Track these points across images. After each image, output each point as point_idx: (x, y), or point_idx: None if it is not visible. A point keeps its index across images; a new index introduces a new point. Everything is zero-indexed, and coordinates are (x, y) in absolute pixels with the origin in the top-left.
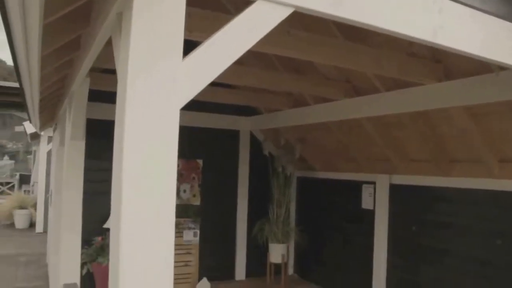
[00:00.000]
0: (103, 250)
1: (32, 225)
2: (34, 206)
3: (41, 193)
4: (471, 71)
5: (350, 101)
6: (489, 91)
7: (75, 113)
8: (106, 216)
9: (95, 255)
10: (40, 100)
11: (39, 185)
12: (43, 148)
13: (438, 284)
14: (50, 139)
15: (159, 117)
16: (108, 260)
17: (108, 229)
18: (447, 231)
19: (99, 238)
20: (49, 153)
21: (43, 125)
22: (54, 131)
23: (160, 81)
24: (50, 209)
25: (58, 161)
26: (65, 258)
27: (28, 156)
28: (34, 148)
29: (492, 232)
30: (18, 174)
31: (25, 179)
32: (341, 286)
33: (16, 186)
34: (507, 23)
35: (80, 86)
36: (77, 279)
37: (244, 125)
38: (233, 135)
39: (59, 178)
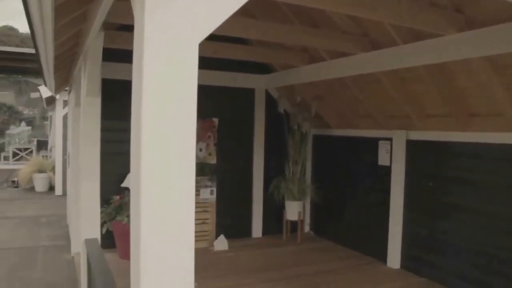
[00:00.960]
0: (122, 208)
1: (51, 188)
2: (53, 170)
3: (59, 157)
4: (493, 20)
5: (367, 55)
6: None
7: (90, 69)
8: (123, 175)
9: (114, 213)
10: (55, 58)
11: (57, 149)
12: (59, 112)
13: (453, 238)
14: (65, 103)
15: (179, 51)
16: (126, 218)
17: (125, 188)
18: (463, 187)
19: (118, 197)
20: (65, 117)
21: (58, 88)
22: (69, 93)
23: (179, 13)
24: (68, 170)
25: (74, 121)
26: (86, 214)
27: (45, 122)
28: (50, 113)
29: (509, 186)
30: (35, 140)
31: (42, 145)
32: (357, 243)
33: (34, 152)
34: None
35: (94, 40)
36: (97, 235)
37: (259, 83)
38: (249, 93)
39: (76, 138)
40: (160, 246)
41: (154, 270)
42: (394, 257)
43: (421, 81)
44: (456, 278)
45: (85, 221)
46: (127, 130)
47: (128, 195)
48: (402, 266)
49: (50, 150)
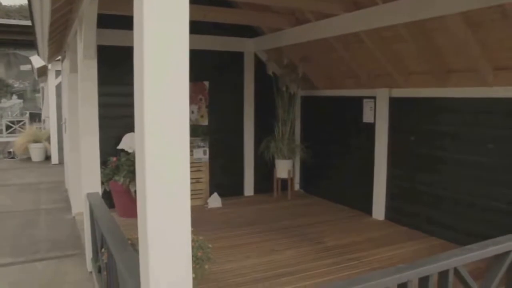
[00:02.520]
0: (119, 169)
1: (47, 157)
2: (48, 139)
3: (54, 126)
4: None
5: (349, 15)
6: None
7: (85, 33)
8: (119, 138)
9: (112, 174)
10: (50, 25)
11: (51, 118)
12: (51, 82)
13: (435, 189)
14: (58, 73)
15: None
16: (123, 178)
17: (121, 150)
18: (443, 140)
19: (114, 159)
20: (58, 87)
21: (51, 56)
22: (62, 62)
23: None
24: (65, 136)
25: (70, 87)
26: (86, 170)
27: (36, 95)
28: (41, 85)
29: (485, 137)
30: (28, 112)
31: (35, 117)
32: (344, 198)
33: (27, 124)
34: None
35: (89, 4)
36: (98, 189)
37: (247, 46)
38: (238, 56)
39: (74, 103)
40: (162, 197)
41: (158, 218)
42: (379, 210)
43: (402, 41)
44: (435, 226)
45: (86, 176)
46: (121, 95)
47: (124, 157)
48: (386, 217)
49: (44, 122)
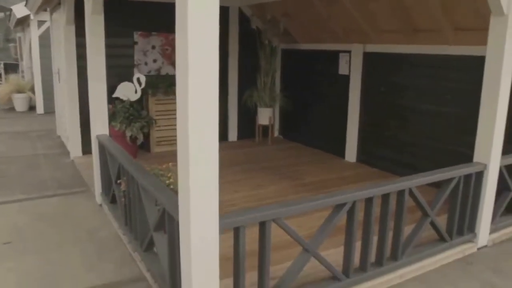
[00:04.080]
0: (115, 116)
1: (31, 107)
2: (31, 89)
3: (38, 77)
4: None
5: None
6: None
7: None
8: (113, 87)
9: (109, 120)
10: None
11: (34, 69)
12: (34, 32)
13: (400, 135)
14: (41, 24)
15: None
16: (119, 124)
17: (116, 98)
18: (409, 91)
19: (110, 106)
20: (41, 37)
21: (42, 5)
22: (52, 13)
23: None
24: (58, 86)
25: (67, 39)
26: (95, 113)
27: (10, 45)
28: (18, 35)
29: (444, 89)
30: (2, 63)
31: (9, 68)
32: (320, 143)
33: (2, 75)
34: None
35: None
36: (106, 131)
37: (233, 1)
38: (224, 11)
39: (70, 54)
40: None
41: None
42: (351, 153)
43: (378, 1)
44: (402, 167)
45: (95, 119)
46: (114, 46)
47: (120, 104)
48: (357, 160)
49: (22, 72)
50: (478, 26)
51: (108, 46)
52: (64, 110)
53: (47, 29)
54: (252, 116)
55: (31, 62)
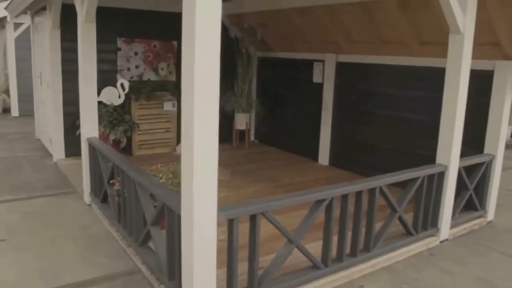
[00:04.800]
0: (99, 119)
1: (5, 110)
2: (6, 92)
3: (13, 79)
4: None
5: None
6: None
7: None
8: (98, 91)
9: None
10: None
11: (10, 71)
12: (10, 35)
13: (370, 139)
14: (17, 26)
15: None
16: (103, 127)
17: (99, 102)
18: (378, 98)
19: None
20: (17, 39)
21: (24, 9)
22: (33, 16)
23: None
24: (40, 89)
25: (52, 44)
26: (85, 117)
27: None
28: None
29: (410, 97)
30: None
31: None
32: (294, 147)
33: None
34: None
35: None
36: (96, 134)
37: None
38: None
39: (56, 58)
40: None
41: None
42: (324, 156)
43: (349, 14)
44: (370, 169)
45: (86, 123)
46: (100, 51)
47: (104, 108)
48: (330, 163)
49: None
50: (440, 41)
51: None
52: (46, 113)
53: (24, 32)
54: (230, 120)
55: (6, 65)
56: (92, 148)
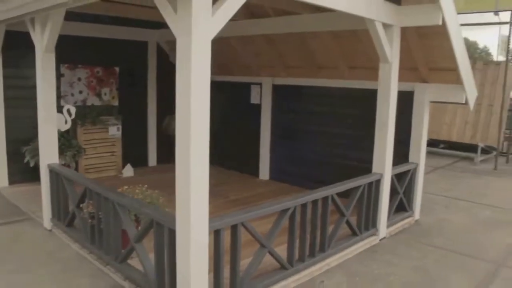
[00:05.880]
0: None
1: None
2: None
3: None
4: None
5: (245, 22)
6: (345, 22)
7: (52, 28)
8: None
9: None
10: None
11: None
12: None
13: (305, 153)
14: None
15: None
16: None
17: None
18: (313, 117)
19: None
20: None
21: None
22: None
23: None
24: None
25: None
26: (45, 144)
27: None
28: None
29: (344, 115)
30: None
31: None
32: (236, 165)
33: None
34: None
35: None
36: (56, 160)
37: (151, 37)
38: (143, 45)
39: None
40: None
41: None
42: (264, 172)
43: (286, 43)
44: (306, 180)
45: (45, 149)
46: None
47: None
48: (270, 177)
49: None
50: (367, 66)
51: (34, 77)
52: None
53: None
54: (171, 141)
55: None
56: (54, 174)
